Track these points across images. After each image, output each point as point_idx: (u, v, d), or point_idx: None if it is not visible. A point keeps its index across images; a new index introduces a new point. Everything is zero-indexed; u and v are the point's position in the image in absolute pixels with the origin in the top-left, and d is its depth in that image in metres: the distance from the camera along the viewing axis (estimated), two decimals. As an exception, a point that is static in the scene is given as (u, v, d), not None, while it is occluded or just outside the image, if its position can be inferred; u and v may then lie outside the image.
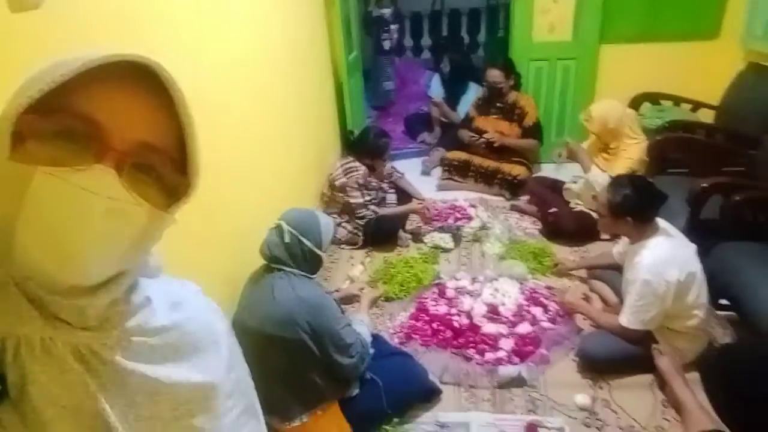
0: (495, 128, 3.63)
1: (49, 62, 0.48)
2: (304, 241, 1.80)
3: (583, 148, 2.99)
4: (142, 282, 0.60)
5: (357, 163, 3.12)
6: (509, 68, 3.55)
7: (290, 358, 1.70)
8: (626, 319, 2.02)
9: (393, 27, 5.39)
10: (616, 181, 2.09)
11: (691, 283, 1.96)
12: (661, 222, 2.05)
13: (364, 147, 3.19)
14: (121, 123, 0.49)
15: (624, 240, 2.27)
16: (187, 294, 0.66)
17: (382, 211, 3.19)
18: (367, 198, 3.12)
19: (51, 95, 0.46)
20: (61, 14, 1.13)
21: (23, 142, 0.46)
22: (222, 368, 0.65)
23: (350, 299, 2.38)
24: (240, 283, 1.86)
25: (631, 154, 2.87)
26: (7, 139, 0.46)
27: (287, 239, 1.79)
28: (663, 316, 1.99)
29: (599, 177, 2.83)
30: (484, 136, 3.61)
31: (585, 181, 2.96)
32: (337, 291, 2.44)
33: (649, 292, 1.94)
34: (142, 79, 0.51)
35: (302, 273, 1.80)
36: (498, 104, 3.61)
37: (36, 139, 0.46)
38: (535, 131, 3.57)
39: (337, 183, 3.08)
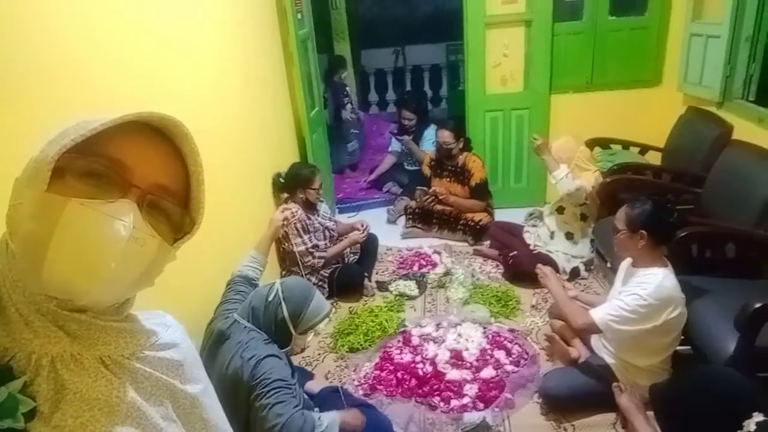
0: (448, 190, 3.76)
1: (77, 120, 0.58)
2: (283, 306, 1.77)
3: (549, 148, 3.02)
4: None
5: (292, 204, 2.96)
6: (459, 131, 3.68)
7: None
8: (600, 316, 1.94)
9: (351, 95, 5.51)
10: (636, 199, 2.05)
11: (677, 325, 1.97)
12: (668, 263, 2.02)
13: (292, 180, 3.10)
14: (143, 166, 0.59)
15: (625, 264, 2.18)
16: (166, 320, 0.74)
17: (329, 252, 3.10)
18: (310, 244, 3.01)
19: (88, 142, 0.55)
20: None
21: (63, 176, 0.55)
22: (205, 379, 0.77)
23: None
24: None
25: (585, 179, 2.97)
26: (47, 174, 0.53)
27: (271, 297, 1.79)
28: (632, 339, 1.97)
29: (566, 182, 2.90)
30: (432, 191, 3.75)
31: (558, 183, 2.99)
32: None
33: (643, 313, 1.89)
34: (160, 132, 0.62)
35: (267, 338, 1.74)
36: (449, 166, 3.73)
37: (72, 175, 0.55)
38: (479, 191, 3.66)
39: (278, 234, 3.01)
